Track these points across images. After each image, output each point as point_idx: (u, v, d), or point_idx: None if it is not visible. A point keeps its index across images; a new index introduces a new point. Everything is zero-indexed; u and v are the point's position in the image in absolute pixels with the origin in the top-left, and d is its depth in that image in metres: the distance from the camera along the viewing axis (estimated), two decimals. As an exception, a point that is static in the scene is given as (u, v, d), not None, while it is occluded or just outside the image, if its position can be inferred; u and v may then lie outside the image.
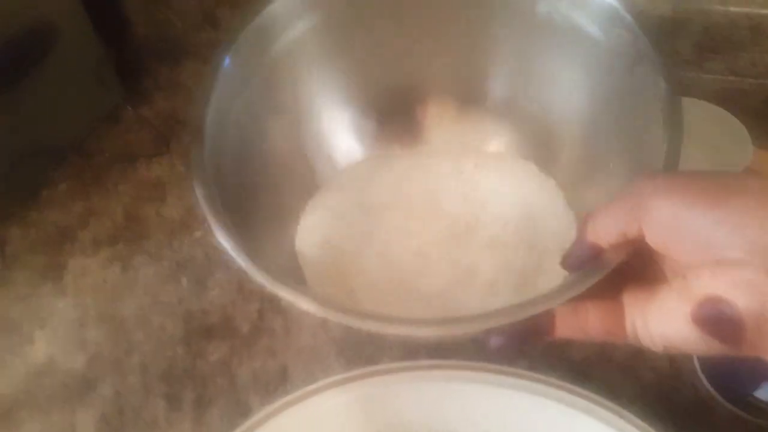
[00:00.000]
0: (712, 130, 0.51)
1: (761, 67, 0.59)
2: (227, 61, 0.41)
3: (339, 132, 0.48)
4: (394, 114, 0.48)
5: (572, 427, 0.38)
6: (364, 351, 0.45)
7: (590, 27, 0.42)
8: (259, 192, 0.42)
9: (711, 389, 0.42)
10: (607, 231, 0.30)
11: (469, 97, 0.48)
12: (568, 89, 0.45)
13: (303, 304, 0.32)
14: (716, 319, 0.26)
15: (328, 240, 0.45)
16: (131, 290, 0.49)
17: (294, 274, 0.43)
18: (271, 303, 0.48)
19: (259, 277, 0.33)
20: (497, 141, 0.48)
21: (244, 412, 0.43)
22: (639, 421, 0.37)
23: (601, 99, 0.43)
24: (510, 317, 0.31)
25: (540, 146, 0.47)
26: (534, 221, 0.45)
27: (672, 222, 0.27)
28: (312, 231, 0.46)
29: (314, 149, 0.48)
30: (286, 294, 0.32)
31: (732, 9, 0.55)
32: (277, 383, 0.44)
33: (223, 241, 0.34)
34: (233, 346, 0.46)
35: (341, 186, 0.48)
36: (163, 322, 0.47)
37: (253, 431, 0.38)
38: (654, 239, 0.28)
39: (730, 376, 0.41)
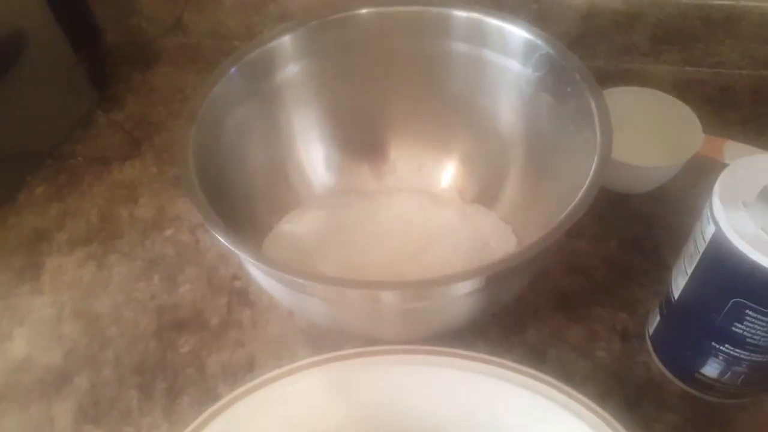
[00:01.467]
0: (665, 117, 0.53)
1: (715, 56, 0.61)
2: (234, 70, 0.45)
3: (317, 162, 0.53)
4: (365, 152, 0.54)
5: (529, 408, 0.39)
6: (330, 341, 0.46)
7: (518, 66, 0.47)
8: (235, 198, 0.45)
9: (662, 367, 0.44)
10: None
11: (430, 141, 0.53)
12: (508, 126, 0.50)
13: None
14: None
15: (295, 246, 0.49)
16: (105, 288, 0.51)
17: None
18: (239, 296, 0.49)
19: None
20: (454, 182, 0.53)
21: (213, 399, 0.43)
22: (590, 402, 0.38)
23: (536, 125, 0.48)
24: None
25: (489, 185, 0.51)
26: (482, 250, 0.48)
27: None
28: (281, 238, 0.49)
29: (294, 173, 0.52)
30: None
31: (683, 0, 0.57)
32: (245, 372, 0.46)
33: (222, 238, 0.37)
34: (203, 339, 0.47)
35: (314, 207, 0.52)
36: (136, 317, 0.49)
37: (219, 414, 0.39)
38: None
39: (680, 353, 0.42)
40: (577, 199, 0.37)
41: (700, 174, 0.54)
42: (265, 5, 0.62)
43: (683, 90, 0.61)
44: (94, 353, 0.47)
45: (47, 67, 0.56)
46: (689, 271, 0.38)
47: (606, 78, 0.42)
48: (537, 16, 0.59)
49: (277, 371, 0.40)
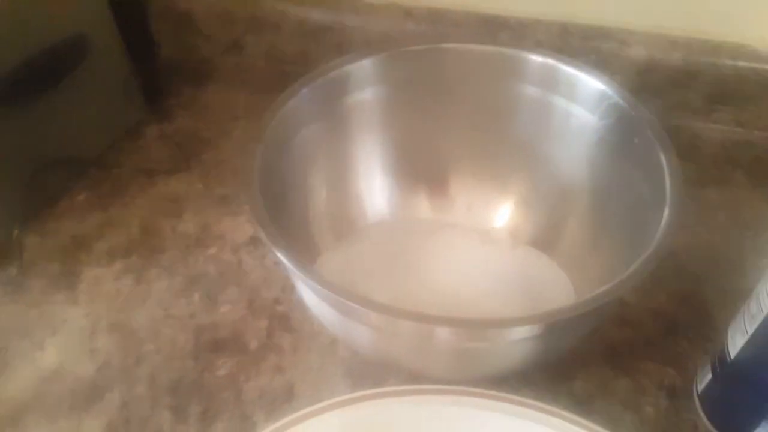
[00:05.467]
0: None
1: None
2: (306, 90, 0.45)
3: (374, 190, 0.53)
4: (423, 184, 0.53)
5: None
6: (371, 373, 0.45)
7: (585, 113, 0.47)
8: (291, 219, 0.45)
9: (710, 426, 0.43)
10: None
11: (487, 180, 0.53)
12: (570, 173, 0.49)
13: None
14: None
15: (344, 274, 0.47)
16: (143, 302, 0.50)
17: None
18: (280, 321, 0.48)
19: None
20: (508, 223, 0.53)
21: (248, 428, 0.43)
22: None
23: (600, 175, 0.47)
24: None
25: (545, 230, 0.51)
26: (537, 297, 0.47)
27: None
28: (331, 264, 0.48)
29: (351, 199, 0.52)
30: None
31: (741, 64, 0.57)
32: (283, 400, 0.44)
33: (283, 257, 0.37)
34: (241, 362, 0.46)
35: (367, 235, 0.52)
36: (174, 334, 0.48)
37: None
38: None
39: (731, 413, 0.41)
40: (647, 252, 0.36)
41: (745, 230, 0.55)
42: (324, 33, 0.62)
43: (732, 150, 0.61)
44: (128, 369, 0.46)
45: (104, 75, 0.56)
46: (749, 331, 0.37)
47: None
48: (594, 67, 0.58)
49: (319, 405, 0.39)
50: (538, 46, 0.58)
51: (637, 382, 0.46)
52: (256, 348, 0.47)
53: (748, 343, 0.38)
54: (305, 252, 0.47)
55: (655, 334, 0.48)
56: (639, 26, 0.58)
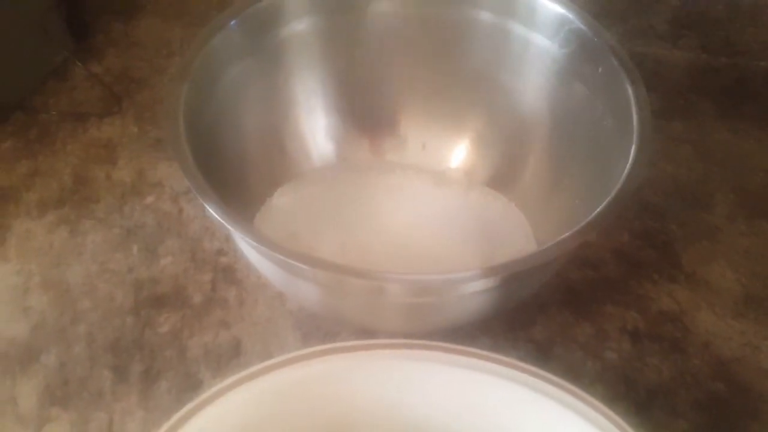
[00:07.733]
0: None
1: (736, 46, 0.58)
2: (234, 23, 0.41)
3: (317, 131, 0.49)
4: (371, 124, 0.50)
5: (533, 409, 0.37)
6: (321, 325, 0.43)
7: (544, 41, 0.44)
8: (226, 166, 0.42)
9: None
10: None
11: (441, 117, 0.50)
12: (529, 107, 0.47)
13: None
14: None
15: (288, 223, 0.45)
16: (78, 256, 0.47)
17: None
18: (225, 273, 0.46)
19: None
20: (463, 163, 0.50)
21: (194, 386, 0.41)
22: (599, 404, 0.36)
23: (561, 108, 0.45)
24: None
25: (502, 169, 0.48)
26: (492, 238, 0.45)
27: None
28: (274, 212, 0.46)
29: (292, 142, 0.49)
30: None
31: (708, -16, 0.54)
32: (229, 357, 0.42)
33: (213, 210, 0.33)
34: (184, 317, 0.44)
35: (312, 180, 0.48)
36: (112, 290, 0.45)
37: (203, 408, 0.36)
38: None
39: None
40: (615, 190, 0.34)
41: (712, 163, 0.53)
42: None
43: (697, 77, 0.59)
44: (64, 328, 0.44)
45: (21, 10, 0.52)
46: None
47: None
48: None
49: (269, 362, 0.37)
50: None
51: (599, 327, 0.44)
52: (199, 302, 0.45)
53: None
54: (245, 202, 0.45)
55: (617, 274, 0.47)
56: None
